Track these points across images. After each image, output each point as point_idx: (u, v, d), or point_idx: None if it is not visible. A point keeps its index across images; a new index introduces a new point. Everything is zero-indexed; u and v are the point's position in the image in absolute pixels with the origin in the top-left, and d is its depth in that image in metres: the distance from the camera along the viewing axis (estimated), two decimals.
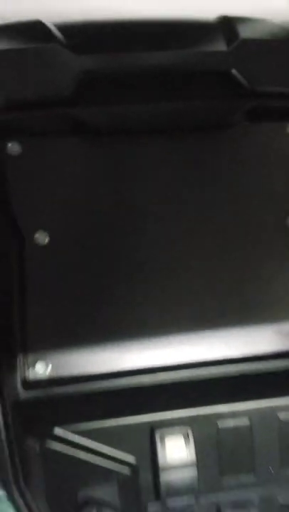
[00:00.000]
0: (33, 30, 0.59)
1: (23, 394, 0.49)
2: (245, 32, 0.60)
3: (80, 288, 0.53)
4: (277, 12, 0.84)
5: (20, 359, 0.50)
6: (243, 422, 0.48)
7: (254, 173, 0.58)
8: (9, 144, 0.53)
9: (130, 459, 0.46)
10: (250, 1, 0.83)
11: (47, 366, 0.51)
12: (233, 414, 0.48)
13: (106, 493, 0.45)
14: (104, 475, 0.45)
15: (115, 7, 0.79)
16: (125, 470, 0.46)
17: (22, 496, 0.48)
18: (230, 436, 0.48)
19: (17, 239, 0.52)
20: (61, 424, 0.45)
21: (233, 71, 0.56)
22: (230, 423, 0.48)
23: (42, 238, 0.53)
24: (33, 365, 0.51)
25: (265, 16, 0.82)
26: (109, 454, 0.45)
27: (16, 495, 0.48)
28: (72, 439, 0.45)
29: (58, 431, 0.45)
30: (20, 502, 0.49)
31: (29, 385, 0.50)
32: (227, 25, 0.62)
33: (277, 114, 0.59)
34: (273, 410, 0.49)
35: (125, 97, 0.54)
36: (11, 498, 0.49)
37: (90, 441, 0.45)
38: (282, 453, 0.49)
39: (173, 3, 0.81)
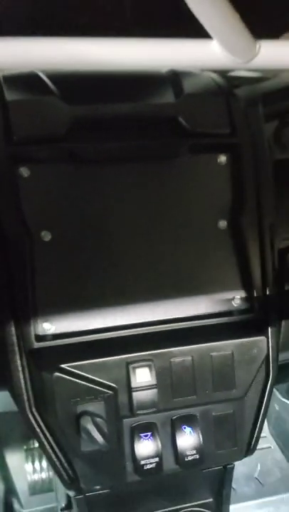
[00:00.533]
0: (33, 83, 0.75)
1: (35, 344, 0.63)
2: (188, 86, 0.79)
3: (74, 271, 0.65)
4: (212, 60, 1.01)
5: (32, 320, 0.63)
6: (188, 359, 0.64)
7: (195, 191, 0.71)
8: (21, 169, 0.65)
9: (112, 384, 0.62)
10: (189, 51, 1.00)
11: (51, 326, 0.64)
12: (181, 354, 0.64)
13: (96, 407, 0.62)
14: (95, 395, 0.61)
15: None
16: (109, 392, 0.62)
17: (34, 417, 0.64)
18: (179, 369, 0.63)
19: (28, 236, 0.64)
20: (65, 362, 0.61)
21: (179, 118, 0.71)
22: (179, 360, 0.64)
23: (46, 236, 0.65)
24: (42, 325, 0.64)
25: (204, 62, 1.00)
26: (98, 380, 0.61)
27: (30, 417, 0.64)
28: (72, 372, 0.61)
29: (63, 366, 0.60)
30: (32, 422, 0.65)
31: (39, 338, 0.64)
32: (174, 79, 0.78)
33: (211, 148, 0.72)
34: (208, 351, 0.64)
35: (103, 136, 0.69)
36: (25, 419, 0.65)
37: (84, 373, 0.61)
38: (214, 381, 0.65)
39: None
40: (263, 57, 1.03)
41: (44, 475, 1.29)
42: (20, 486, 1.30)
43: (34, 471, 1.30)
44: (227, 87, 0.80)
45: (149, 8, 1.08)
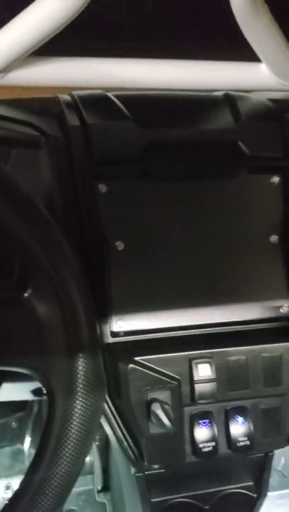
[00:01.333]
0: (107, 106, 0.83)
1: (111, 339, 0.70)
2: (245, 112, 0.85)
3: (143, 276, 0.72)
4: (261, 82, 1.08)
5: (109, 319, 0.71)
6: (243, 358, 0.71)
7: (249, 208, 0.77)
8: (100, 185, 0.73)
9: (177, 376, 0.70)
10: (240, 73, 1.07)
11: (124, 323, 0.71)
12: (236, 353, 0.70)
13: (163, 396, 0.69)
14: (163, 385, 0.69)
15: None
16: (174, 383, 0.70)
17: (107, 402, 0.73)
18: (235, 367, 0.70)
19: (105, 245, 0.72)
20: (138, 355, 0.69)
21: (239, 142, 0.81)
22: (235, 358, 0.71)
23: (120, 245, 0.72)
24: (116, 323, 0.71)
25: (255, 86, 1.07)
26: (165, 373, 0.69)
27: (108, 403, 0.73)
28: (144, 364, 0.69)
29: (136, 359, 0.69)
30: (106, 408, 0.74)
31: (114, 334, 0.71)
32: (232, 104, 0.86)
33: (265, 170, 0.79)
34: (260, 352, 0.71)
35: (172, 157, 0.78)
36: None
37: (154, 365, 0.69)
38: (264, 378, 0.72)
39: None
40: None
41: (87, 458, 1.39)
42: None
43: None
44: (279, 111, 0.89)
45: (201, 31, 1.15)
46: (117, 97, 0.86)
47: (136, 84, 1.01)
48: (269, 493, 1.43)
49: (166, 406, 0.69)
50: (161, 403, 0.69)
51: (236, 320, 0.75)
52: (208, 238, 0.76)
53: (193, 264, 0.75)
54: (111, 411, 0.73)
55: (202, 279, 0.75)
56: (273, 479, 1.44)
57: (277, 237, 0.78)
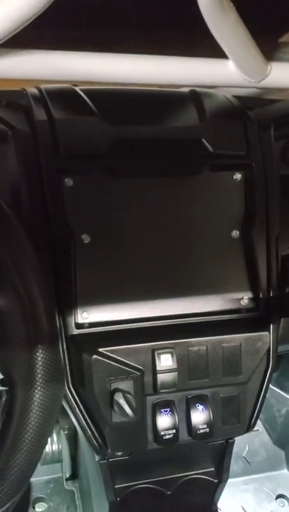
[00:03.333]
0: (74, 101, 0.84)
1: (75, 331, 0.71)
2: (210, 109, 0.86)
3: (110, 269, 0.73)
4: (227, 79, 1.10)
5: (73, 311, 0.71)
6: (203, 348, 0.72)
7: (212, 203, 0.79)
8: (66, 179, 0.73)
9: (140, 366, 0.71)
10: (207, 69, 1.09)
11: (88, 315, 0.72)
12: (197, 344, 0.72)
13: (126, 386, 0.71)
14: (126, 375, 0.71)
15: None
16: (137, 373, 0.71)
17: (70, 392, 0.75)
18: (195, 356, 0.72)
19: (71, 238, 0.72)
20: (101, 346, 0.70)
21: (203, 140, 0.82)
22: (195, 348, 0.72)
23: (86, 238, 0.73)
24: (81, 314, 0.72)
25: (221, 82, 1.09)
26: (128, 363, 0.71)
27: (67, 392, 0.75)
28: (108, 355, 0.71)
29: (100, 350, 0.70)
30: (70, 397, 0.75)
31: (79, 326, 0.72)
32: (197, 102, 0.87)
33: (228, 167, 0.80)
34: (220, 342, 0.73)
35: (138, 154, 0.79)
36: (65, 396, 0.74)
37: (118, 356, 0.71)
38: (224, 367, 0.75)
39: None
40: (274, 78, 1.14)
41: (54, 447, 1.41)
42: None
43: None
44: (243, 109, 0.90)
45: (167, 26, 1.15)
46: (85, 91, 0.87)
47: (102, 79, 1.01)
48: (233, 479, 1.48)
49: (129, 396, 0.72)
50: (124, 393, 0.71)
51: (198, 311, 0.77)
52: (172, 233, 0.78)
53: (157, 257, 0.77)
54: (75, 400, 0.75)
55: (166, 273, 0.77)
56: (238, 466, 1.49)
57: (238, 232, 0.80)
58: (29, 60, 0.97)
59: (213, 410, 0.75)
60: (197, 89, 0.95)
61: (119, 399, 0.71)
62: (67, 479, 1.36)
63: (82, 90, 0.88)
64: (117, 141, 0.76)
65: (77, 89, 0.88)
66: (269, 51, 1.13)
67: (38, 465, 1.27)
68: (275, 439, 1.51)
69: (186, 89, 0.96)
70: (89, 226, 0.74)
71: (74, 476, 1.36)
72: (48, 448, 1.41)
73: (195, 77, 1.09)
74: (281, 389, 1.49)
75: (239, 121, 0.86)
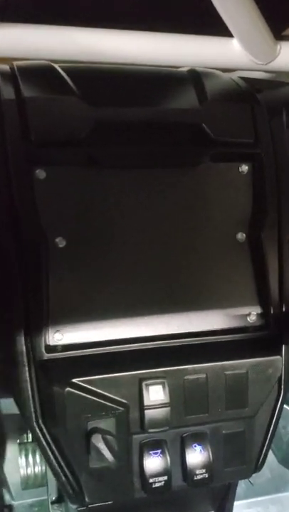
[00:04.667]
0: (50, 78, 0.72)
1: (46, 355, 0.61)
2: (211, 91, 0.75)
3: (88, 279, 0.64)
4: (231, 59, 0.98)
5: (44, 331, 0.62)
6: (201, 376, 0.62)
7: (214, 200, 0.69)
8: (37, 171, 0.63)
9: (124, 401, 0.60)
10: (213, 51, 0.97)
11: (62, 336, 0.62)
12: (195, 371, 0.62)
13: (107, 424, 0.60)
14: (105, 412, 0.59)
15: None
16: (120, 408, 0.60)
17: (40, 429, 0.62)
18: (192, 387, 0.62)
19: (44, 242, 0.63)
20: (76, 376, 0.59)
21: (203, 125, 0.70)
22: (192, 377, 0.62)
23: (61, 242, 0.63)
24: (53, 335, 0.62)
25: (224, 63, 0.97)
26: (110, 397, 0.59)
27: (36, 429, 0.63)
28: (84, 387, 0.58)
29: (74, 381, 0.58)
30: (39, 434, 0.64)
31: (50, 349, 0.62)
32: (197, 82, 0.77)
33: (233, 157, 0.71)
34: (222, 369, 0.63)
35: (124, 141, 0.67)
36: (32, 430, 0.64)
37: (96, 388, 0.59)
38: (226, 399, 0.64)
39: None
40: (284, 59, 1.00)
41: (37, 469, 1.28)
42: (13, 479, 1.29)
43: (27, 464, 1.29)
44: (250, 92, 0.78)
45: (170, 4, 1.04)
46: (64, 68, 0.74)
47: (93, 57, 0.89)
48: (236, 503, 1.36)
49: (110, 437, 0.59)
50: (104, 434, 0.59)
51: (196, 331, 0.67)
52: (165, 236, 0.68)
53: (147, 266, 0.67)
54: (45, 439, 0.63)
55: (157, 284, 0.67)
56: (240, 487, 1.36)
57: (244, 234, 0.71)
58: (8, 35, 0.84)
59: (214, 450, 0.65)
60: (197, 68, 0.82)
61: (98, 442, 0.58)
62: (52, 502, 1.24)
63: (62, 67, 0.75)
64: (99, 125, 0.65)
65: (55, 65, 0.75)
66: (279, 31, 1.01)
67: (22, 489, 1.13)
68: (281, 458, 1.40)
69: (183, 69, 0.84)
70: (64, 228, 0.65)
71: (60, 499, 1.24)
72: (29, 470, 1.29)
73: (195, 57, 0.97)
74: (287, 404, 1.37)
75: (246, 105, 0.74)
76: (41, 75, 0.72)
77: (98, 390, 0.60)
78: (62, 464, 0.63)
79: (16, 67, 0.73)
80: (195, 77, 0.77)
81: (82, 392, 0.59)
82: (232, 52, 0.97)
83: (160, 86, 0.75)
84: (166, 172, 0.69)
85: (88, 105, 0.66)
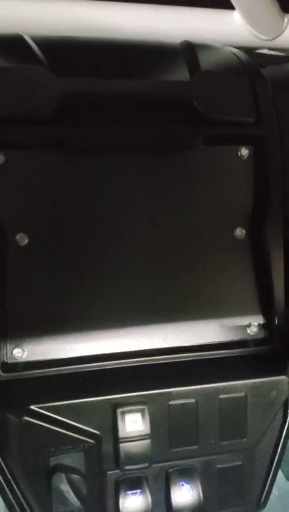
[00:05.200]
0: (15, 47, 0.63)
1: (2, 375, 0.53)
2: (205, 62, 0.67)
3: (54, 284, 0.56)
4: (235, 35, 0.90)
5: (0, 346, 0.53)
6: (190, 401, 0.54)
7: (208, 190, 0.62)
8: None
9: (95, 431, 0.51)
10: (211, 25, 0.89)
11: (23, 352, 0.54)
12: (182, 395, 0.54)
13: (73, 460, 0.51)
14: (72, 445, 0.51)
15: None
16: (90, 441, 0.51)
17: (6, 465, 0.54)
18: (179, 414, 0.54)
19: (1, 239, 0.55)
20: (36, 401, 0.50)
21: (194, 101, 0.61)
22: (179, 402, 0.54)
23: (22, 240, 0.56)
24: (11, 351, 0.54)
25: (223, 37, 0.88)
26: (77, 427, 0.51)
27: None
28: (45, 415, 0.50)
29: (33, 407, 0.50)
30: None
31: (8, 368, 0.54)
32: (190, 53, 0.68)
33: (230, 139, 0.63)
34: (215, 393, 0.55)
35: (98, 119, 0.58)
36: None
37: (61, 416, 0.50)
38: (221, 427, 0.55)
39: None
40: None
41: None
42: None
43: None
44: (252, 66, 0.70)
45: None
46: (37, 39, 0.64)
47: (85, 31, 0.80)
48: None
49: (76, 477, 0.48)
50: (68, 474, 0.49)
51: (184, 345, 0.59)
52: (150, 233, 0.61)
53: (126, 267, 0.59)
54: (4, 476, 0.52)
55: (138, 289, 0.59)
56: None
57: (244, 230, 0.63)
58: None
59: (205, 488, 0.56)
60: (192, 40, 0.72)
61: (60, 483, 0.47)
62: None
63: (34, 38, 0.64)
64: (69, 100, 0.57)
65: (25, 36, 0.65)
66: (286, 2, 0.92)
67: None
68: (288, 474, 1.29)
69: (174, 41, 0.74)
70: (27, 222, 0.57)
71: None
72: None
73: (192, 30, 0.89)
74: None
75: (246, 79, 0.65)
76: (4, 43, 0.62)
77: (63, 419, 0.51)
78: (24, 504, 0.53)
79: None
80: (187, 48, 0.68)
81: (43, 421, 0.50)
82: (233, 26, 0.89)
83: (145, 57, 0.65)
84: (150, 157, 0.61)
85: (55, 76, 0.57)
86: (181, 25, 0.87)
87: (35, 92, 0.57)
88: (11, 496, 0.54)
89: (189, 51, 0.67)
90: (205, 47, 0.71)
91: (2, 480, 0.53)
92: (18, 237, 0.56)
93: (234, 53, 0.72)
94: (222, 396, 0.55)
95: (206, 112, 0.61)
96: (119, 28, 0.83)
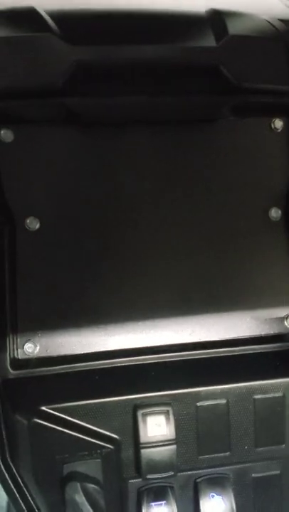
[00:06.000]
0: (27, 19, 0.58)
1: (12, 373, 0.49)
2: (234, 28, 0.61)
3: (69, 272, 0.52)
4: (266, 6, 0.83)
5: (9, 340, 0.50)
6: (221, 402, 0.49)
7: (239, 167, 0.57)
8: (2, 131, 0.52)
9: (113, 435, 0.47)
10: None
11: (35, 347, 0.51)
12: (212, 395, 0.49)
13: (90, 468, 0.46)
14: (88, 450, 0.46)
15: None
16: (108, 446, 0.46)
17: (7, 469, 0.50)
18: (209, 416, 0.49)
19: (9, 224, 0.51)
20: (48, 402, 0.46)
21: (221, 67, 0.55)
22: (208, 403, 0.49)
23: (33, 224, 0.52)
24: (22, 346, 0.50)
25: (253, 10, 0.82)
26: (93, 430, 0.46)
27: (2, 469, 0.50)
28: (58, 416, 0.45)
29: (45, 408, 0.45)
30: (5, 475, 0.50)
31: (18, 364, 0.50)
32: (216, 19, 0.62)
33: (263, 110, 0.58)
34: (249, 392, 0.49)
35: (116, 90, 0.54)
36: None
37: (75, 418, 0.46)
38: (256, 432, 0.50)
39: None
40: None
41: None
42: None
43: None
44: (287, 32, 0.62)
45: None
46: (51, 11, 0.59)
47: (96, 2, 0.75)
48: None
49: (93, 487, 0.43)
50: (83, 484, 0.44)
51: (213, 340, 0.54)
52: (172, 215, 0.56)
53: (146, 253, 0.55)
54: (15, 483, 0.48)
55: (163, 278, 0.55)
56: None
57: (279, 211, 0.58)
58: None
59: (239, 500, 0.51)
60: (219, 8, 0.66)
61: (75, 494, 0.42)
62: None
63: (47, 10, 0.59)
64: (83, 69, 0.52)
65: (38, 8, 0.60)
66: None
67: None
68: None
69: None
70: (37, 205, 0.53)
71: None
72: None
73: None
74: None
75: (279, 44, 0.59)
76: (15, 16, 0.58)
77: (77, 421, 0.46)
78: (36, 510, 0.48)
79: None
80: (213, 14, 0.61)
81: (55, 423, 0.46)
82: None
83: (165, 24, 0.60)
84: (173, 130, 0.56)
85: (68, 44, 0.52)
86: None
87: (46, 62, 0.52)
88: (23, 506, 0.49)
89: (215, 17, 0.62)
90: (234, 14, 0.65)
91: (14, 489, 0.49)
92: (28, 221, 0.53)
93: (266, 20, 0.66)
94: (257, 396, 0.50)
95: (235, 79, 0.55)
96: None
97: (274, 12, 0.82)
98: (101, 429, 0.47)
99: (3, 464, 0.49)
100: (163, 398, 0.48)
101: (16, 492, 0.49)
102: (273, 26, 0.65)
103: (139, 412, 0.47)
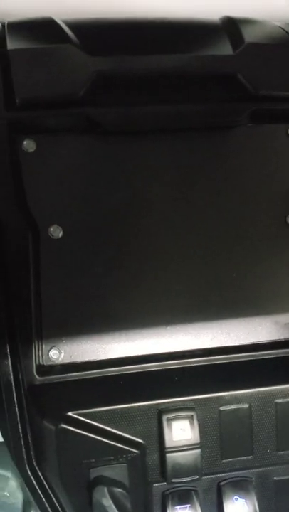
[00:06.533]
0: (46, 29, 0.59)
1: (38, 379, 0.49)
2: (249, 35, 0.61)
3: (91, 279, 0.52)
4: (277, 12, 0.84)
5: (35, 347, 0.50)
6: (244, 406, 0.49)
7: (256, 172, 0.57)
8: (25, 141, 0.52)
9: (139, 440, 0.47)
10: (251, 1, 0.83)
11: (60, 353, 0.51)
12: (234, 400, 0.49)
13: (116, 472, 0.47)
14: (114, 455, 0.46)
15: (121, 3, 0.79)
16: (134, 451, 0.47)
17: (34, 474, 0.50)
18: (232, 420, 0.49)
19: (33, 232, 0.51)
20: (75, 407, 0.46)
21: (239, 75, 0.56)
22: (231, 408, 0.49)
23: (56, 232, 0.52)
24: (47, 352, 0.50)
25: (264, 15, 0.82)
26: (119, 435, 0.46)
27: (29, 474, 0.51)
28: (84, 422, 0.46)
29: (71, 414, 0.46)
30: (32, 480, 0.51)
31: (44, 371, 0.50)
32: (232, 27, 0.62)
33: (279, 116, 0.58)
34: (271, 396, 0.50)
35: (136, 98, 0.54)
36: (24, 476, 0.51)
37: (101, 424, 0.46)
38: (278, 436, 0.50)
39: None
40: None
41: None
42: None
43: None
44: None
45: None
46: (68, 21, 0.60)
47: (116, 10, 0.76)
48: None
49: (119, 491, 0.44)
50: (110, 488, 0.45)
51: (235, 345, 0.55)
52: (191, 221, 0.56)
53: (169, 261, 0.55)
54: (42, 488, 0.49)
55: (182, 284, 0.55)
56: None
57: None
58: None
59: (262, 503, 0.51)
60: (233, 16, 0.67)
61: (102, 498, 0.43)
62: None
63: (65, 21, 0.60)
64: (103, 79, 0.53)
65: (56, 18, 0.61)
66: None
67: None
68: None
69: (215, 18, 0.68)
70: (60, 213, 0.53)
71: None
72: None
73: (228, 7, 0.82)
74: None
75: None
76: (35, 27, 0.59)
77: (103, 427, 0.47)
78: None
79: (6, 23, 0.60)
80: (228, 23, 0.62)
81: (82, 429, 0.46)
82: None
83: (182, 33, 0.60)
84: (191, 138, 0.56)
85: (88, 54, 0.52)
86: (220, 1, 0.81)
87: (67, 72, 0.53)
88: (50, 510, 0.50)
89: (231, 25, 0.62)
90: (248, 21, 0.66)
91: (41, 493, 0.50)
92: (51, 229, 0.52)
93: (280, 27, 0.66)
94: (279, 400, 0.50)
95: (252, 86, 0.56)
96: (155, 4, 0.79)
97: (284, 17, 0.83)
98: (126, 434, 0.47)
99: (29, 467, 0.50)
100: (187, 403, 0.48)
101: (40, 493, 0.50)
102: (287, 33, 0.66)
103: (164, 417, 0.47)
